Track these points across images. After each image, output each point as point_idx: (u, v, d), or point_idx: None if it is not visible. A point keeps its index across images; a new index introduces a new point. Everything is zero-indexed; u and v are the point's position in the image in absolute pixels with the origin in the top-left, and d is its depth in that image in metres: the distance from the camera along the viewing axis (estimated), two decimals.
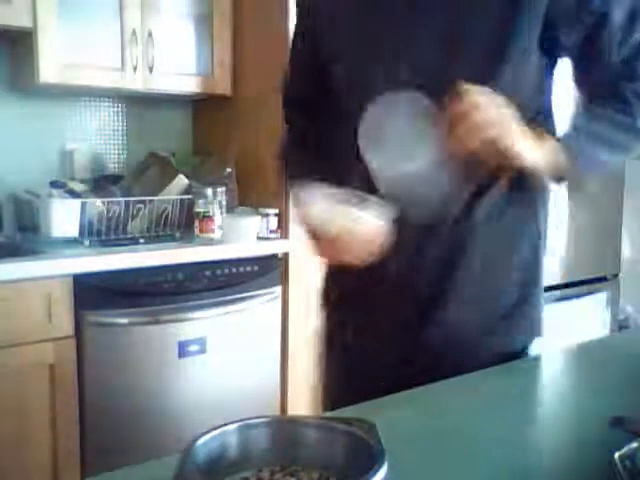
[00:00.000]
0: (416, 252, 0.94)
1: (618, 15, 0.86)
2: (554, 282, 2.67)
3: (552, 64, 0.94)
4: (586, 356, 1.06)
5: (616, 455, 0.56)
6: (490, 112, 0.76)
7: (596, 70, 0.90)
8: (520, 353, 0.98)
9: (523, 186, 0.90)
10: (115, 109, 2.51)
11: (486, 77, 0.82)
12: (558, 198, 2.62)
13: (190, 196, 2.20)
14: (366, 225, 0.80)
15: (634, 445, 0.58)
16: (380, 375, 0.98)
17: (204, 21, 2.38)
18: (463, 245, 0.93)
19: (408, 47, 0.85)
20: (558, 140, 0.85)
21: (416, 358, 0.97)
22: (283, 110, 1.16)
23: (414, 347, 0.96)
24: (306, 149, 1.09)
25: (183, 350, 1.99)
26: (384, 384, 0.87)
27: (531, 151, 0.80)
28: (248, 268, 2.10)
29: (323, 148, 1.04)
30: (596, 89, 0.91)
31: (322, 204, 0.81)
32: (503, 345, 0.97)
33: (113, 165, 2.52)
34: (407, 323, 0.97)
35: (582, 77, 0.92)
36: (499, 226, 0.94)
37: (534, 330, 1.01)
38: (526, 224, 0.97)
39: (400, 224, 0.86)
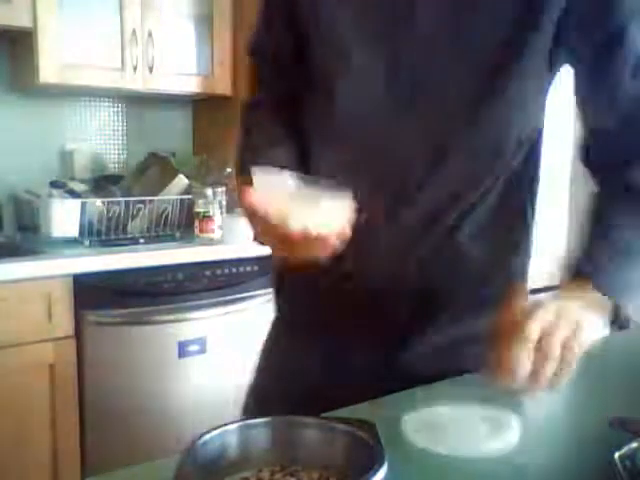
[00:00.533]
0: (392, 277, 0.87)
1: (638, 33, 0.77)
2: (554, 282, 2.67)
3: (551, 78, 0.86)
4: (586, 356, 1.06)
5: (616, 455, 0.56)
6: (562, 331, 0.67)
7: (604, 91, 0.81)
8: None
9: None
10: (115, 109, 2.51)
11: (493, 80, 0.79)
12: (558, 198, 2.62)
13: (190, 196, 2.20)
14: (327, 218, 0.69)
15: (634, 445, 0.58)
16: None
17: (204, 21, 2.38)
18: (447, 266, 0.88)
19: (408, 47, 0.83)
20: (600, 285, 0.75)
21: (387, 374, 0.90)
22: (252, 64, 1.01)
23: (388, 366, 0.90)
24: (279, 117, 0.93)
25: (183, 350, 1.99)
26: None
27: (597, 324, 0.73)
28: (248, 268, 2.10)
29: (296, 126, 0.92)
30: (601, 113, 0.83)
31: (278, 191, 0.69)
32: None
33: (113, 165, 2.52)
34: (383, 345, 0.90)
35: (587, 96, 0.84)
36: (482, 249, 0.87)
37: None
38: (508, 253, 0.91)
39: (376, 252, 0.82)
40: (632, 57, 0.78)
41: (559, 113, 2.55)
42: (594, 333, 0.71)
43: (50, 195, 2.09)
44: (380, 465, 0.52)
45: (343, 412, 0.76)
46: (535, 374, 0.66)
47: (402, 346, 0.89)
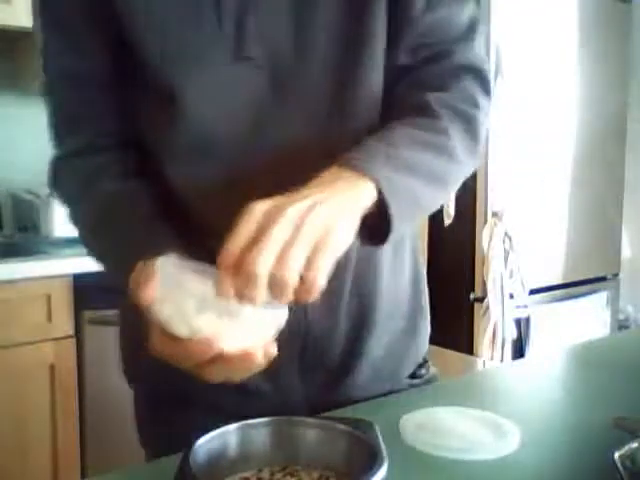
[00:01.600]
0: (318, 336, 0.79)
1: None
2: (554, 282, 2.67)
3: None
4: (586, 356, 1.06)
5: (616, 455, 0.56)
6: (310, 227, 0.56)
7: (403, 27, 0.77)
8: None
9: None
10: None
11: (343, 75, 0.75)
12: (558, 198, 2.62)
13: None
14: (254, 333, 0.57)
15: (634, 445, 0.58)
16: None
17: None
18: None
19: (255, 47, 0.73)
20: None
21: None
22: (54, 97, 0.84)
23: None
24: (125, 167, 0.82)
25: None
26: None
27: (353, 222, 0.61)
28: None
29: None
30: (401, 51, 0.78)
31: (173, 283, 0.56)
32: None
33: None
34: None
35: (391, 39, 0.78)
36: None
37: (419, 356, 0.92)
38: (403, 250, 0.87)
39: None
40: None
41: (559, 114, 2.54)
42: (346, 237, 0.59)
43: (50, 195, 2.09)
44: (380, 465, 0.52)
45: (343, 412, 0.76)
46: (275, 286, 0.55)
47: (343, 372, 0.82)
